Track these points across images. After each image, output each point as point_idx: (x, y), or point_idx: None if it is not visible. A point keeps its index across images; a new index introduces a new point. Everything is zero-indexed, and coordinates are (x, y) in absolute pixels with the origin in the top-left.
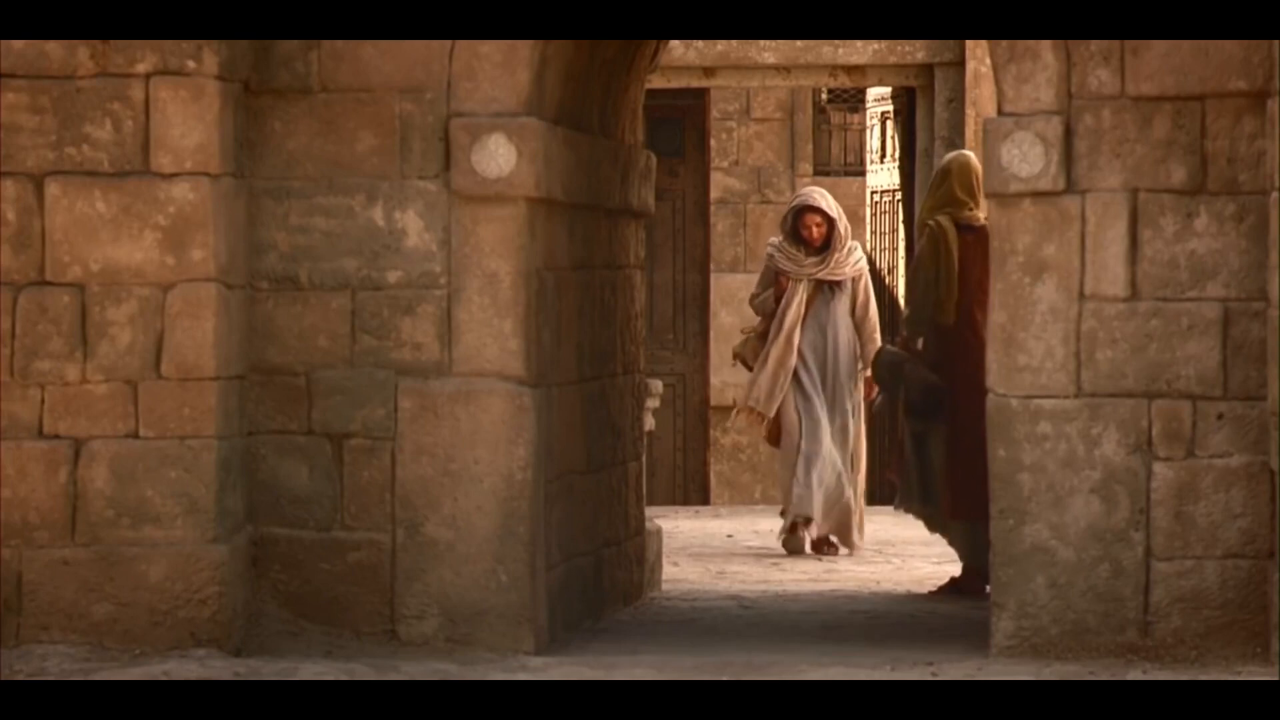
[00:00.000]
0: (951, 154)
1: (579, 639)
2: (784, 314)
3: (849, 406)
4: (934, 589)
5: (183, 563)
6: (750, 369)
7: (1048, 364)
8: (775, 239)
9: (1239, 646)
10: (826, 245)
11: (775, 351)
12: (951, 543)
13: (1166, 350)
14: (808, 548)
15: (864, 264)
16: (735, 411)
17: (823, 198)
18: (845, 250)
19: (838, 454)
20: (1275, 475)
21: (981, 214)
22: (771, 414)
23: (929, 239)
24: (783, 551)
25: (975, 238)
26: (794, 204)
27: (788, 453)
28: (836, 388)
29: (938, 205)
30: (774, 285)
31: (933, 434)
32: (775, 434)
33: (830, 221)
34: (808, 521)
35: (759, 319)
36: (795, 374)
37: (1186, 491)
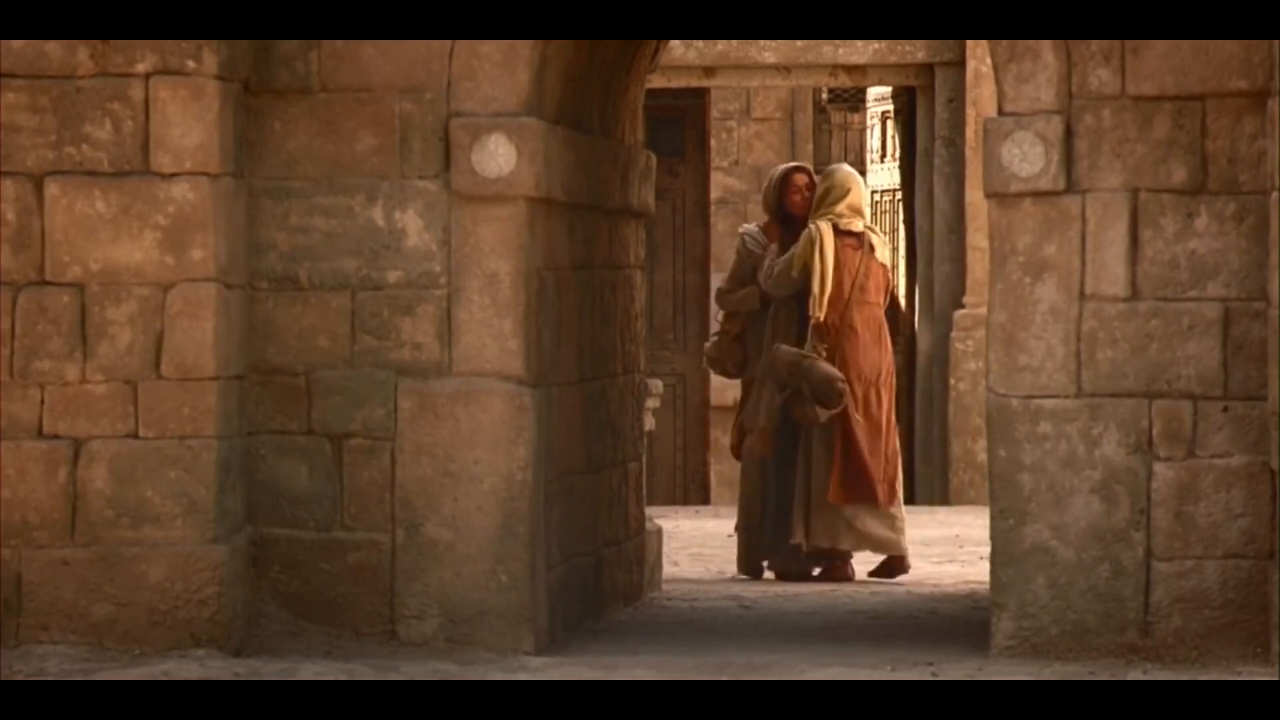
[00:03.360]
0: (839, 167)
1: (579, 639)
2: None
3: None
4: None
5: (182, 563)
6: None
7: (1048, 364)
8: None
9: (1239, 647)
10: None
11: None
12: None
13: (1167, 350)
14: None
15: None
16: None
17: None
18: None
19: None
20: (1275, 475)
21: (860, 223)
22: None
23: (806, 240)
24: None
25: (855, 243)
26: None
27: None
28: None
29: (825, 212)
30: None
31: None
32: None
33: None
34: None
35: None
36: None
37: (1187, 491)
